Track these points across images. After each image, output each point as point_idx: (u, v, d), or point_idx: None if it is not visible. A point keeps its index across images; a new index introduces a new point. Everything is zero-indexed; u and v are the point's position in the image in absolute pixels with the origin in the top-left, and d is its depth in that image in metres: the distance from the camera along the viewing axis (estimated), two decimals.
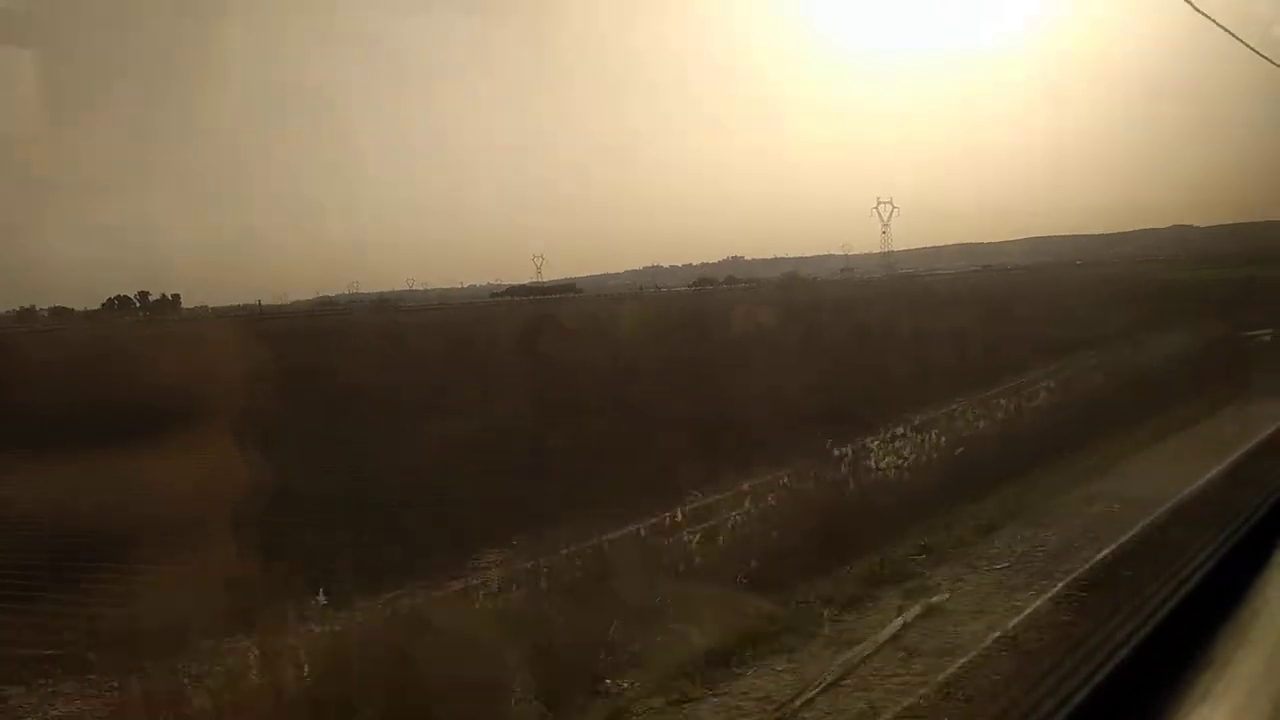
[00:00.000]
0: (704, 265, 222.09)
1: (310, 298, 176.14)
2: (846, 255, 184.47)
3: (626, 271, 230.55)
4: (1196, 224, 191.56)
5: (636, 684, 7.59)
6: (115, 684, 8.31)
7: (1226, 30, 12.57)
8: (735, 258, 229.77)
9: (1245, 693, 1.49)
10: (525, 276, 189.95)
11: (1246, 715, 1.46)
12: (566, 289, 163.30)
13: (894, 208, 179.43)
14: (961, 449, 15.43)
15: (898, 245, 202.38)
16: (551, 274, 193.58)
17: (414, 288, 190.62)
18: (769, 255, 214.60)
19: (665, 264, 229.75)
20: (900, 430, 15.84)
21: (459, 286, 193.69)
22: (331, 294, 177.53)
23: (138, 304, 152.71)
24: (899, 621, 7.97)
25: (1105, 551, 8.79)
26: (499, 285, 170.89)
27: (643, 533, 11.39)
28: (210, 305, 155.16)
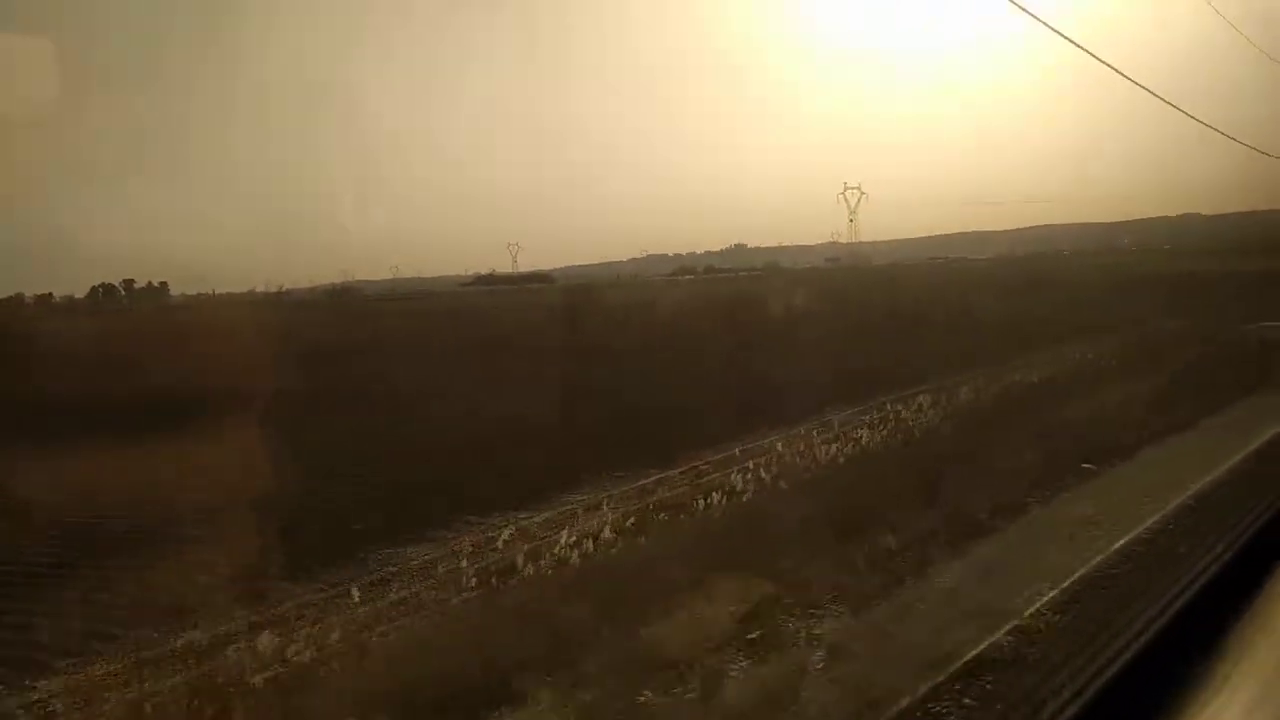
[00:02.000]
0: (707, 254, 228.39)
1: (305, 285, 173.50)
2: (835, 244, 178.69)
3: (630, 260, 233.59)
4: (1206, 212, 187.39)
5: None
6: None
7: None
8: (739, 245, 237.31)
9: (1262, 680, 1.48)
10: (525, 265, 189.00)
11: (1262, 702, 1.44)
12: (538, 279, 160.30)
13: (862, 194, 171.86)
14: None
15: (901, 234, 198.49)
16: (559, 261, 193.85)
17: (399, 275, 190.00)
18: (773, 244, 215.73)
19: (670, 252, 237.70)
20: None
21: (465, 274, 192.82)
22: (329, 282, 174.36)
23: (123, 292, 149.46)
24: None
25: None
26: (468, 275, 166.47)
27: None
28: (202, 293, 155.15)
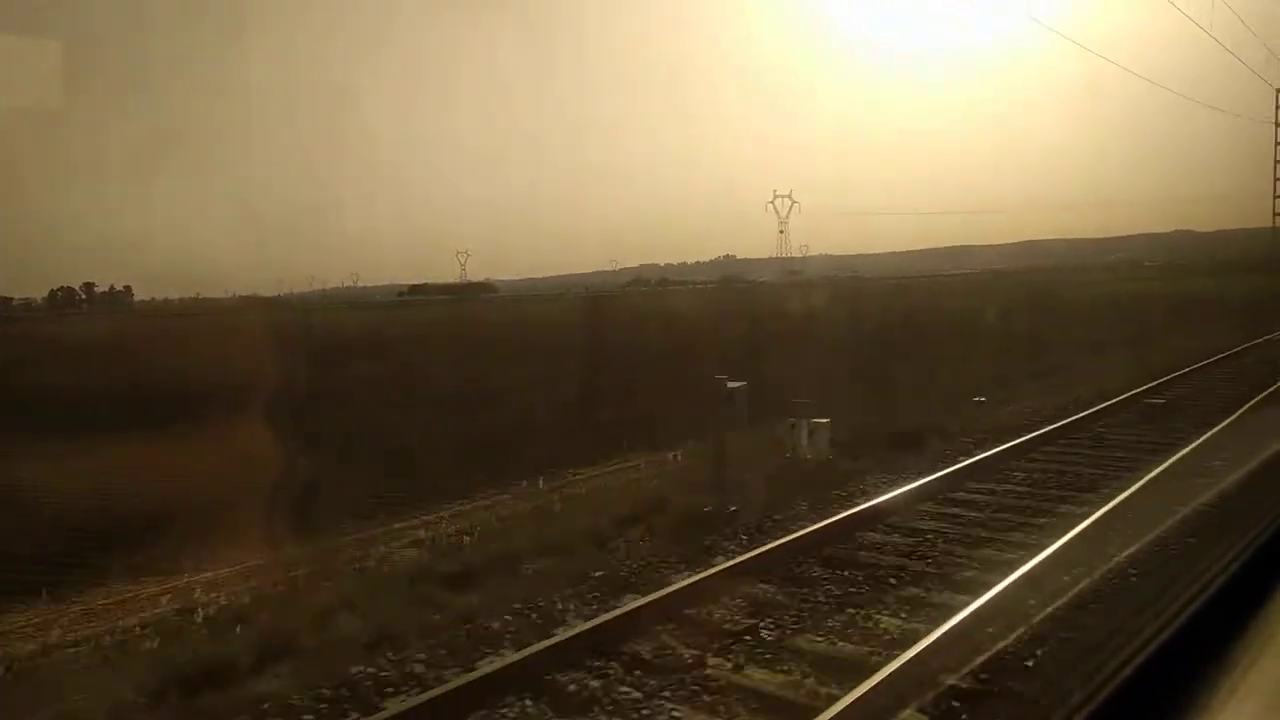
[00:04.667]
0: (698, 264, 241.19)
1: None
2: (805, 257, 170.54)
3: (620, 269, 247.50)
4: (1199, 229, 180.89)
5: None
6: None
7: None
8: (729, 256, 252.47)
9: (1269, 695, 1.42)
10: (511, 274, 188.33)
11: (1269, 717, 1.42)
12: (481, 289, 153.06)
13: (793, 202, 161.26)
14: None
15: (885, 247, 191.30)
16: (548, 271, 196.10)
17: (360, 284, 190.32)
18: (764, 255, 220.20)
19: (662, 262, 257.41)
20: None
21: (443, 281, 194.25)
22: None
23: (83, 296, 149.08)
24: None
25: None
26: (403, 285, 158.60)
27: None
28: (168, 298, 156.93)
